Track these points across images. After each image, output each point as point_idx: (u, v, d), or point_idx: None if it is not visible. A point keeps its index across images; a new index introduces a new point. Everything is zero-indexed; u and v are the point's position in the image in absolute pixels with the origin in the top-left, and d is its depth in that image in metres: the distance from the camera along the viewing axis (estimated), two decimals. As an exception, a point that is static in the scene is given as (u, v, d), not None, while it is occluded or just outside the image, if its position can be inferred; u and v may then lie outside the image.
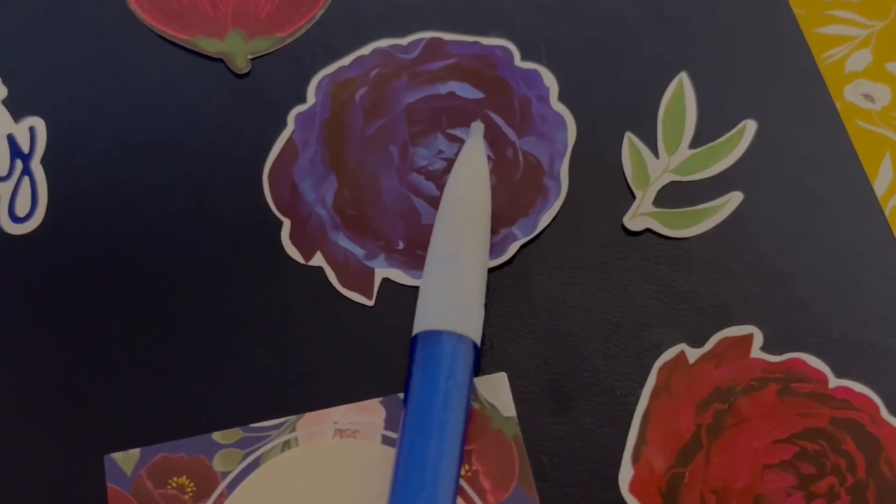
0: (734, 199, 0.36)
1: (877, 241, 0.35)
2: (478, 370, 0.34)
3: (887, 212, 0.36)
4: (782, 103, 0.38)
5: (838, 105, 0.37)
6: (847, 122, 0.37)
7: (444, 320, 0.32)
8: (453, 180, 0.35)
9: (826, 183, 0.36)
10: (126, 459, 0.33)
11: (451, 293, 0.33)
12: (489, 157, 0.37)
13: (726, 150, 0.37)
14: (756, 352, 0.34)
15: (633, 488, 0.32)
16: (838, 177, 0.36)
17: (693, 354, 0.34)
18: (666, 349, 0.34)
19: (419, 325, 0.33)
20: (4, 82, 0.39)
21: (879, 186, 0.36)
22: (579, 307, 0.35)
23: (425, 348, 0.32)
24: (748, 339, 0.34)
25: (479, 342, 0.33)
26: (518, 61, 0.39)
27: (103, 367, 0.34)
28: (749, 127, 0.37)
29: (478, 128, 0.36)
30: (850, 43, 0.39)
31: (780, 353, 0.34)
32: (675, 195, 0.36)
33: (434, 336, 0.32)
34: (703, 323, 0.34)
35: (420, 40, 0.39)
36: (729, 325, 0.34)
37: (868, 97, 0.38)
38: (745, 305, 0.34)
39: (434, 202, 0.36)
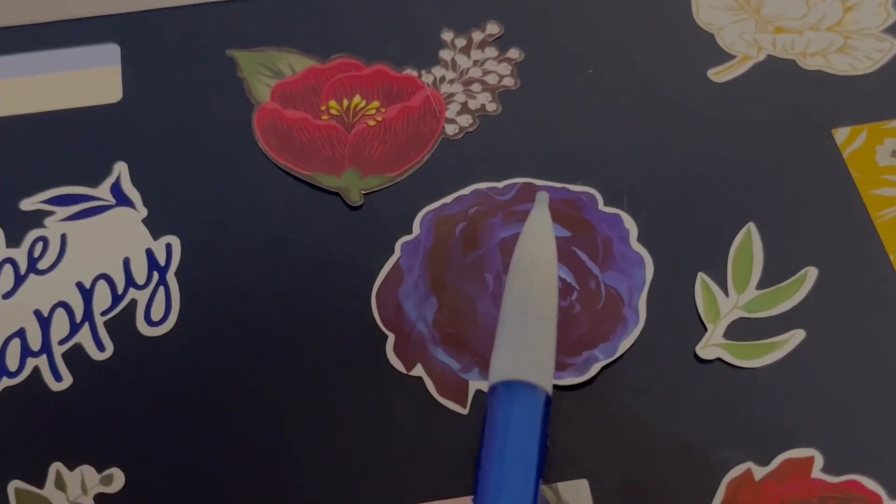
0: (797, 335, 0.40)
1: (929, 380, 0.39)
2: (548, 434, 0.36)
3: (938, 355, 0.39)
4: (841, 254, 0.41)
5: (892, 258, 0.41)
6: (901, 274, 0.41)
7: (518, 370, 0.35)
8: (522, 245, 0.38)
9: (880, 326, 0.40)
10: (240, 538, 0.36)
11: (524, 346, 0.35)
12: (574, 288, 0.41)
13: (790, 293, 0.41)
14: (817, 472, 0.37)
15: (703, 590, 0.35)
16: (893, 321, 0.40)
17: (759, 472, 0.37)
18: (734, 466, 0.37)
19: (494, 377, 0.35)
20: (145, 205, 0.44)
21: (931, 331, 0.39)
22: (654, 426, 0.38)
23: (502, 399, 0.35)
24: (809, 461, 0.37)
25: (550, 393, 0.35)
26: (602, 206, 0.43)
27: (223, 453, 0.38)
28: (811, 273, 0.41)
29: (542, 197, 0.39)
30: (903, 204, 0.43)
31: (839, 475, 0.37)
32: (743, 329, 0.40)
33: (510, 386, 0.35)
34: (767, 444, 0.37)
35: (514, 184, 0.44)
36: (792, 448, 0.37)
37: (920, 252, 0.42)
38: (807, 430, 0.37)
39: (524, 325, 0.40)
